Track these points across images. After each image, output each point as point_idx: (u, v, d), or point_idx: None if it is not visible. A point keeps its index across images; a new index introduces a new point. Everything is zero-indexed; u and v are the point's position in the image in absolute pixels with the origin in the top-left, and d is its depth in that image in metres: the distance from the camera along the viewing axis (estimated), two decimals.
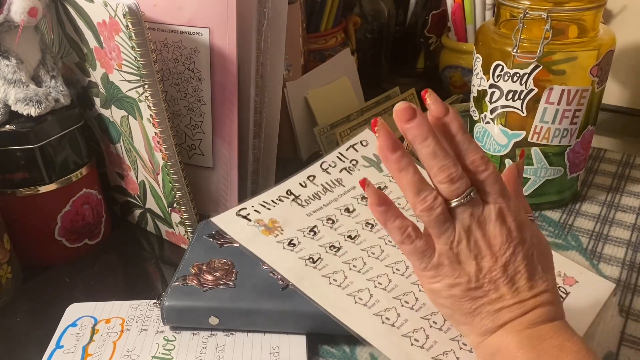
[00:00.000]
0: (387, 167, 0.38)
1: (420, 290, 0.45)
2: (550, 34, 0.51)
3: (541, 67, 0.52)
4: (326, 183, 0.53)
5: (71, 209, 0.54)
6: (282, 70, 0.59)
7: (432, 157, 0.36)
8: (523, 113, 0.55)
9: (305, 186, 0.53)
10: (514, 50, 0.52)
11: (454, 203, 0.36)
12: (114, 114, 0.55)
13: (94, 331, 0.46)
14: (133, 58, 0.47)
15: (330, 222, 0.50)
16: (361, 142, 0.57)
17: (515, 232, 0.36)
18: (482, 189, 0.36)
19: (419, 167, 0.37)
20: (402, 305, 0.43)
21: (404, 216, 0.38)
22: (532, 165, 0.58)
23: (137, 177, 0.58)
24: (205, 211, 0.59)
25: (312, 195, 0.52)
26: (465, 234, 0.36)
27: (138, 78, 0.48)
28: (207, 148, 0.56)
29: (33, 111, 0.49)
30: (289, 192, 0.52)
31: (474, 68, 0.59)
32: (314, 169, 0.54)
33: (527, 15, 0.52)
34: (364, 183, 0.39)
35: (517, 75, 0.54)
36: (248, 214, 0.49)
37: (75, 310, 0.49)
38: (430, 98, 0.38)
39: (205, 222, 0.53)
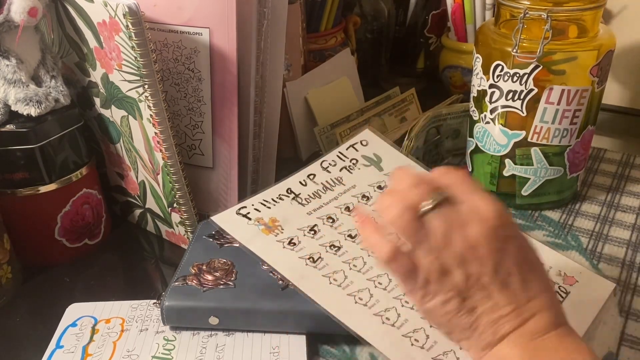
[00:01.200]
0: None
1: None
2: (550, 34, 0.51)
3: (541, 67, 0.52)
4: (326, 182, 0.53)
5: (71, 209, 0.54)
6: (282, 70, 0.59)
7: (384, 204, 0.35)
8: (523, 113, 0.55)
9: (306, 185, 0.53)
10: (514, 50, 0.52)
11: (422, 208, 0.34)
12: (114, 114, 0.55)
13: (94, 331, 0.46)
14: (133, 58, 0.47)
15: (331, 221, 0.50)
16: (361, 142, 0.57)
17: (499, 229, 0.34)
18: (452, 193, 0.35)
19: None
20: (402, 305, 0.43)
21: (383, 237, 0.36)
22: (532, 165, 0.58)
23: (137, 177, 0.58)
24: (205, 211, 0.59)
25: (313, 193, 0.52)
26: (443, 240, 0.34)
27: (138, 78, 0.48)
28: (207, 148, 0.56)
29: (33, 111, 0.49)
30: (289, 191, 0.52)
31: (474, 68, 0.59)
32: (314, 167, 0.54)
33: (527, 15, 0.52)
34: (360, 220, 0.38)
35: (517, 75, 0.54)
36: (248, 213, 0.49)
37: (75, 310, 0.49)
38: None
39: (205, 222, 0.53)
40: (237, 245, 0.47)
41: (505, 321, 0.34)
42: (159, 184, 0.55)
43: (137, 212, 0.62)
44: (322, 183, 0.53)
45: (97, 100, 0.56)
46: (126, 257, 0.59)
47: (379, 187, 0.54)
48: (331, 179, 0.54)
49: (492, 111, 0.57)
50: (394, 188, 0.36)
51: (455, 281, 0.34)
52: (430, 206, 0.34)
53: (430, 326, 0.42)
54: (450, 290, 0.34)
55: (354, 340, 0.42)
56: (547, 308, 0.34)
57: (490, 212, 0.34)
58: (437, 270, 0.34)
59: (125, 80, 0.50)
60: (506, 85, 0.55)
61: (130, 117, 0.53)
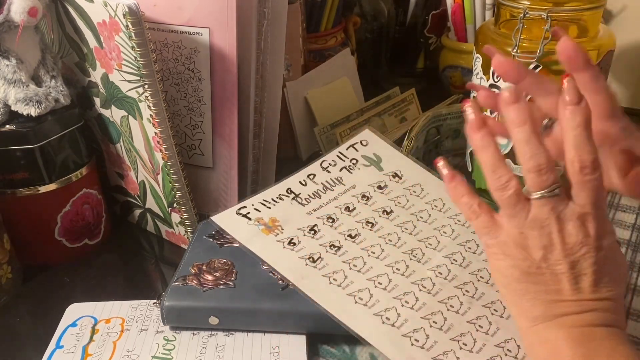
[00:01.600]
0: (471, 144, 0.39)
1: (420, 290, 0.45)
2: (550, 34, 0.51)
3: (541, 67, 0.52)
4: (326, 182, 0.53)
5: (71, 209, 0.54)
6: (282, 70, 0.59)
7: (524, 143, 0.36)
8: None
9: (306, 184, 0.53)
10: (514, 50, 0.52)
11: (536, 195, 0.36)
12: (114, 114, 0.55)
13: (94, 331, 0.46)
14: (133, 58, 0.47)
15: (331, 220, 0.50)
16: (361, 142, 0.57)
17: (593, 237, 0.35)
18: (576, 190, 0.36)
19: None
20: (402, 305, 0.43)
21: (473, 193, 0.39)
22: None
23: (137, 177, 0.58)
24: (205, 211, 0.59)
25: (313, 193, 0.52)
26: (540, 224, 0.36)
27: (138, 78, 0.48)
28: (207, 148, 0.56)
29: (33, 111, 0.49)
30: (289, 191, 0.52)
31: (474, 68, 0.59)
32: (314, 167, 0.54)
33: (527, 15, 0.52)
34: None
35: None
36: (248, 213, 0.49)
37: (75, 310, 0.49)
38: (568, 83, 0.37)
39: (205, 222, 0.53)
40: (237, 245, 0.47)
41: (562, 305, 0.36)
42: (159, 184, 0.55)
43: (137, 212, 0.62)
44: (322, 183, 0.53)
45: (97, 100, 0.56)
46: (126, 257, 0.59)
47: (379, 187, 0.54)
48: (331, 179, 0.54)
49: (492, 111, 0.57)
50: (525, 157, 0.36)
51: (532, 256, 0.36)
52: (545, 195, 0.35)
53: (431, 326, 0.42)
54: (523, 260, 0.36)
55: (354, 340, 0.42)
56: (607, 310, 0.35)
57: (592, 222, 0.36)
58: (519, 241, 0.36)
59: (125, 80, 0.50)
60: (506, 86, 0.55)
61: (130, 117, 0.53)
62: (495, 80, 0.55)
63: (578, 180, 0.35)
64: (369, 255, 0.47)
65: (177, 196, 0.54)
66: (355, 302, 0.43)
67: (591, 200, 0.35)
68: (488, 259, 0.39)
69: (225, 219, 0.48)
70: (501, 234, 0.37)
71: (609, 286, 0.36)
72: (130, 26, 0.45)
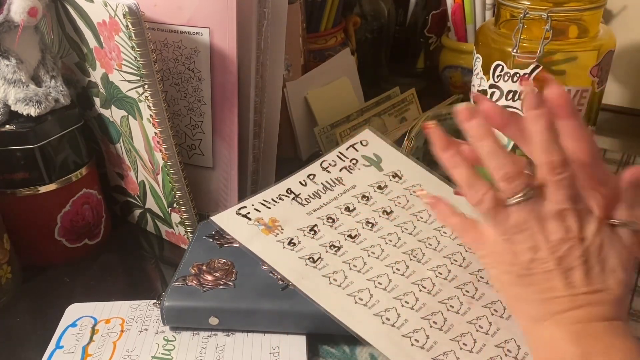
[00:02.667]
0: (443, 165, 0.40)
1: (420, 291, 0.45)
2: (551, 34, 0.51)
3: (541, 67, 0.52)
4: (326, 182, 0.53)
5: (71, 209, 0.54)
6: (282, 70, 0.59)
7: (490, 157, 0.38)
8: (523, 113, 0.55)
9: (306, 185, 0.53)
10: (514, 51, 0.52)
11: (512, 201, 0.37)
12: (114, 114, 0.55)
13: (93, 331, 0.46)
14: (133, 58, 0.47)
15: (331, 221, 0.50)
16: (361, 142, 0.57)
17: (575, 230, 0.36)
18: (552, 190, 0.37)
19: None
20: (403, 306, 0.43)
21: (457, 212, 0.41)
22: None
23: (137, 177, 0.58)
24: (205, 211, 0.59)
25: (313, 194, 0.52)
26: (521, 227, 0.37)
27: (138, 78, 0.48)
28: (207, 148, 0.56)
29: (33, 111, 0.49)
30: (289, 191, 0.52)
31: (474, 68, 0.59)
32: (314, 167, 0.54)
33: (527, 15, 0.52)
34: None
35: (517, 75, 0.54)
36: (248, 213, 0.49)
37: (75, 311, 0.49)
38: (525, 88, 0.39)
39: (205, 222, 0.53)
40: (237, 245, 0.47)
41: (556, 302, 0.36)
42: (159, 184, 0.55)
43: (137, 212, 0.62)
44: (322, 183, 0.53)
45: (97, 100, 0.56)
46: (126, 257, 0.59)
47: (379, 187, 0.54)
48: (331, 179, 0.54)
49: None
50: (493, 169, 0.38)
51: (520, 259, 0.37)
52: (520, 199, 0.37)
53: (431, 326, 0.42)
54: (512, 265, 0.37)
55: (354, 340, 0.42)
56: (605, 303, 0.36)
57: (572, 216, 0.36)
58: (506, 248, 0.37)
59: (125, 80, 0.50)
60: (506, 86, 0.55)
61: (130, 117, 0.53)
62: (495, 80, 0.55)
63: (551, 181, 0.36)
64: (369, 256, 0.47)
65: (177, 196, 0.54)
66: (356, 303, 0.43)
67: (567, 196, 0.36)
68: (485, 270, 0.41)
69: (225, 219, 0.48)
70: (489, 243, 0.39)
71: (601, 276, 0.36)
72: (130, 26, 0.45)
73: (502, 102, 0.56)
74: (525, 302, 0.38)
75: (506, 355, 0.41)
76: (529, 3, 0.52)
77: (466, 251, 0.48)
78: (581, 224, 0.36)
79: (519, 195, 0.37)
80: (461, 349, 0.41)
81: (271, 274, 0.46)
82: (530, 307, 0.37)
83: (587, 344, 0.34)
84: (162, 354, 0.44)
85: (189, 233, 0.56)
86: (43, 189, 0.52)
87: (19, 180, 0.51)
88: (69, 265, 0.56)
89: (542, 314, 0.37)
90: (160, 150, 0.51)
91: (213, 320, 0.45)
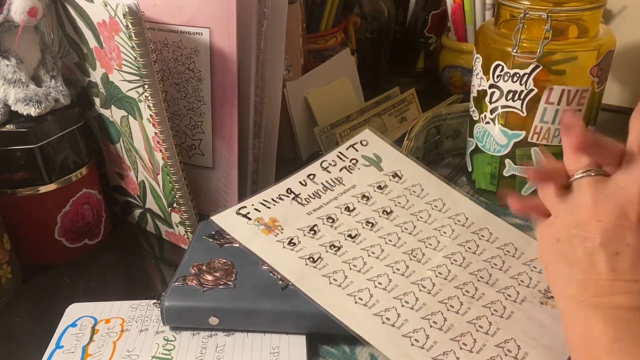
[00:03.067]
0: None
1: (420, 290, 0.45)
2: (550, 34, 0.51)
3: (541, 67, 0.52)
4: (326, 182, 0.53)
5: (71, 209, 0.54)
6: (282, 70, 0.59)
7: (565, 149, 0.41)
8: (523, 113, 0.55)
9: (306, 185, 0.53)
10: (514, 51, 0.52)
11: (576, 175, 0.39)
12: (114, 114, 0.55)
13: (94, 331, 0.46)
14: (133, 58, 0.47)
15: (331, 221, 0.50)
16: (361, 142, 0.57)
17: (632, 215, 0.36)
18: (630, 166, 0.38)
19: None
20: (403, 306, 0.43)
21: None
22: (533, 165, 0.58)
23: (137, 177, 0.58)
24: (205, 211, 0.59)
25: (313, 193, 0.52)
26: (579, 204, 0.38)
27: (138, 78, 0.48)
28: (207, 148, 0.56)
29: (33, 111, 0.49)
30: (289, 191, 0.52)
31: (474, 68, 0.59)
32: (314, 167, 0.54)
33: (527, 15, 0.52)
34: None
35: (517, 75, 0.54)
36: (248, 213, 0.49)
37: (75, 310, 0.49)
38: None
39: (205, 222, 0.53)
40: (237, 245, 0.47)
41: (596, 286, 0.36)
42: (159, 184, 0.55)
43: (137, 212, 0.62)
44: (322, 183, 0.53)
45: (97, 100, 0.56)
46: (126, 257, 0.59)
47: (379, 187, 0.54)
48: (331, 179, 0.54)
49: (492, 111, 0.57)
50: (566, 144, 0.40)
51: (570, 234, 0.38)
52: (580, 176, 0.39)
53: (431, 326, 0.42)
54: (560, 236, 0.38)
55: (354, 340, 0.42)
56: None
57: (633, 194, 0.36)
58: (559, 223, 0.39)
59: (125, 80, 0.50)
60: (506, 86, 0.55)
61: (130, 117, 0.53)
62: (495, 80, 0.55)
63: (634, 158, 0.38)
64: (369, 256, 0.47)
65: (177, 196, 0.54)
66: (355, 302, 0.43)
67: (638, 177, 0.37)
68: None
69: (225, 219, 0.48)
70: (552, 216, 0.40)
71: None
72: (130, 26, 0.45)
73: (502, 102, 0.56)
74: (564, 280, 0.38)
75: (506, 355, 0.41)
76: (528, 3, 0.52)
77: (466, 251, 0.48)
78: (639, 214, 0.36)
79: (582, 170, 0.38)
80: (461, 348, 0.41)
81: (271, 274, 0.46)
82: (569, 286, 0.37)
83: (621, 329, 0.34)
84: (162, 354, 0.44)
85: (189, 233, 0.56)
86: (43, 189, 0.52)
87: (19, 180, 0.51)
88: (69, 265, 0.56)
89: (578, 295, 0.37)
90: (160, 150, 0.51)
91: (213, 320, 0.45)
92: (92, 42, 0.51)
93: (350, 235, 0.49)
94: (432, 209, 0.52)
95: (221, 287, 0.46)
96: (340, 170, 0.55)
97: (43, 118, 0.50)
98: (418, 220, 0.51)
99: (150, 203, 0.59)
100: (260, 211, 0.49)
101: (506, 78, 0.54)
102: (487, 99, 0.57)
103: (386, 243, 0.48)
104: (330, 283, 0.45)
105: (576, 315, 0.37)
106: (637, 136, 0.39)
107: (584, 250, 0.37)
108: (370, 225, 0.50)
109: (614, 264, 0.36)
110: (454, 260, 0.48)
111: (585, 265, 0.36)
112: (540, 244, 0.41)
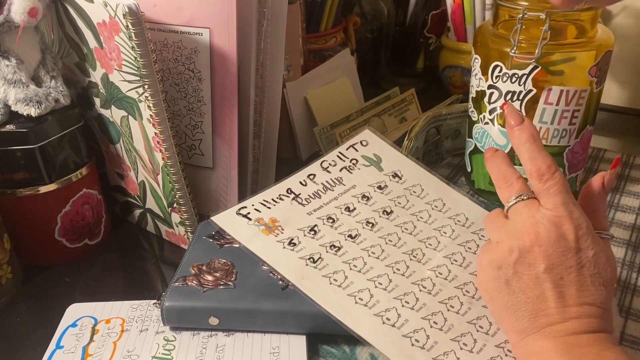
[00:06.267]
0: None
1: (420, 291, 0.45)
2: (549, 34, 0.51)
3: (540, 67, 0.52)
4: (326, 182, 0.53)
5: (71, 209, 0.54)
6: (282, 70, 0.59)
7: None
8: (522, 113, 0.55)
9: (306, 185, 0.53)
10: (513, 51, 0.52)
11: (511, 201, 0.39)
12: (114, 114, 0.55)
13: (94, 331, 0.46)
14: (133, 58, 0.47)
15: (331, 221, 0.50)
16: (361, 142, 0.57)
17: (571, 239, 0.36)
18: (543, 199, 0.38)
19: None
20: (403, 306, 0.43)
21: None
22: None
23: (137, 177, 0.58)
24: (205, 211, 0.59)
25: (313, 194, 0.52)
26: (514, 230, 0.38)
27: (138, 78, 0.48)
28: (207, 148, 0.56)
29: (33, 111, 0.49)
30: (289, 191, 0.52)
31: (473, 69, 0.59)
32: (314, 167, 0.54)
33: (525, 16, 0.52)
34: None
35: (516, 76, 0.54)
36: (248, 213, 0.49)
37: (75, 311, 0.49)
38: (507, 109, 0.42)
39: (205, 222, 0.53)
40: (237, 245, 0.47)
41: (547, 316, 0.36)
42: (159, 184, 0.55)
43: (137, 212, 0.62)
44: (322, 183, 0.53)
45: (97, 101, 0.56)
46: (126, 257, 0.59)
47: (379, 187, 0.54)
48: (331, 179, 0.54)
49: (491, 112, 0.57)
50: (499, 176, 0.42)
51: (512, 260, 0.37)
52: (514, 202, 0.39)
53: (431, 326, 0.42)
54: (502, 263, 0.38)
55: (354, 340, 0.42)
56: (592, 315, 0.36)
57: (568, 224, 0.37)
58: (500, 248, 0.38)
59: (125, 81, 0.50)
60: (505, 86, 0.55)
61: (130, 117, 0.53)
62: (494, 81, 0.55)
63: (541, 189, 0.37)
64: (369, 256, 0.47)
65: (177, 196, 0.54)
66: (356, 303, 0.43)
67: (559, 201, 0.37)
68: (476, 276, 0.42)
69: (225, 219, 0.48)
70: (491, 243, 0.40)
71: (591, 290, 0.36)
72: (130, 26, 0.45)
73: (501, 102, 0.56)
74: (514, 313, 0.37)
75: (506, 355, 0.41)
76: (527, 4, 0.52)
77: (466, 251, 0.49)
78: (577, 235, 0.36)
79: (514, 197, 0.39)
80: (461, 349, 0.41)
81: (271, 274, 0.46)
82: (518, 319, 0.37)
83: (577, 355, 0.34)
84: (162, 354, 0.44)
85: (189, 233, 0.56)
86: (43, 189, 0.52)
87: (19, 180, 0.51)
88: (69, 265, 0.56)
89: (529, 328, 0.36)
90: (160, 151, 0.51)
91: (213, 321, 0.45)
92: (92, 43, 0.51)
93: (350, 236, 0.49)
94: (432, 209, 0.52)
95: (221, 287, 0.46)
96: (341, 170, 0.55)
97: (43, 118, 0.50)
98: (418, 220, 0.51)
99: (151, 203, 0.59)
100: (260, 211, 0.49)
101: (505, 79, 0.54)
102: (485, 99, 0.57)
103: (386, 243, 0.48)
104: (331, 283, 0.45)
105: (531, 349, 0.36)
106: (525, 166, 0.40)
107: (529, 278, 0.36)
108: (370, 225, 0.50)
109: (560, 289, 0.36)
110: (454, 260, 0.48)
111: (531, 294, 0.36)
112: (481, 271, 0.40)
